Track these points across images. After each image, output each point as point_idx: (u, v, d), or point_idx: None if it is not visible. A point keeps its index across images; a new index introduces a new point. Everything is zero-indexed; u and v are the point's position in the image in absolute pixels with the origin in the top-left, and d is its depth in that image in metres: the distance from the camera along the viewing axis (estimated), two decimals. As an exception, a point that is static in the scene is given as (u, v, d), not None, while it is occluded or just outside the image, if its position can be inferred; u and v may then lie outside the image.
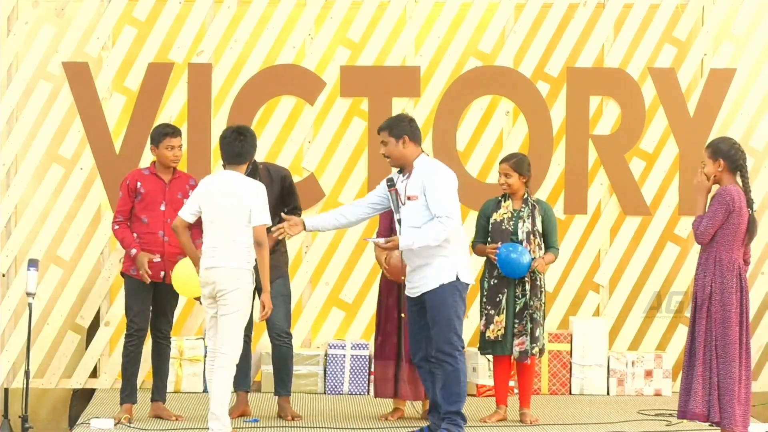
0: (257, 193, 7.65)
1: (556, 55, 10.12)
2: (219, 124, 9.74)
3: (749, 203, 7.77)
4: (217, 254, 7.65)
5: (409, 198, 7.69)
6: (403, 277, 8.08)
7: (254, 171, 8.28)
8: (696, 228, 7.73)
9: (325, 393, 9.75)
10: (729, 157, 7.75)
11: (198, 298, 8.05)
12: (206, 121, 9.89)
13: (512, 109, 10.11)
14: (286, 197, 8.59)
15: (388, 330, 8.51)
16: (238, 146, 7.74)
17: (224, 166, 7.81)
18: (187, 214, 7.79)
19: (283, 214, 8.03)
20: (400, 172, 7.85)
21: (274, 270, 8.18)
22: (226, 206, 7.65)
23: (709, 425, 7.85)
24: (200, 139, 9.81)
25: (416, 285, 7.75)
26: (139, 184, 8.55)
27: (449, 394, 7.68)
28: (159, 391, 8.70)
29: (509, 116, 10.12)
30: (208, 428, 7.65)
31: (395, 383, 8.55)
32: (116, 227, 8.57)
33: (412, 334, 7.89)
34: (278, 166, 8.86)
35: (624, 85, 10.09)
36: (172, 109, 9.91)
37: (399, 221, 7.70)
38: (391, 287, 8.53)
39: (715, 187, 7.83)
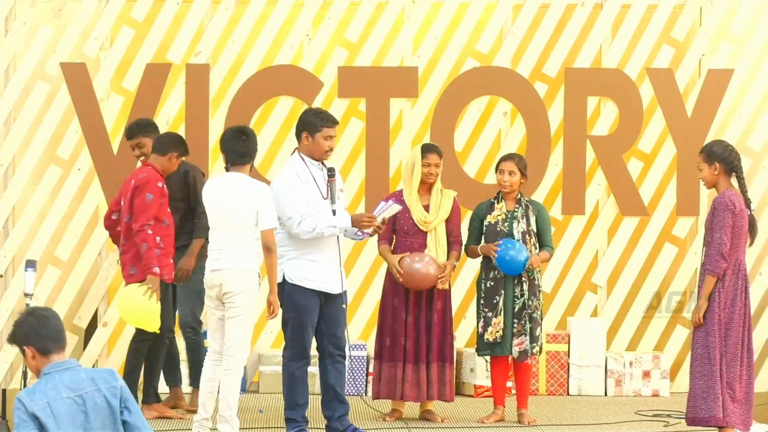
0: (264, 195, 7.55)
1: (554, 56, 10.12)
2: (217, 125, 9.74)
3: (747, 203, 7.77)
4: (223, 256, 7.56)
5: (341, 191, 7.95)
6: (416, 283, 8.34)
7: (186, 173, 8.62)
8: (716, 255, 7.64)
9: (323, 393, 9.75)
10: (724, 159, 7.75)
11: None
12: (204, 122, 9.88)
13: (510, 109, 10.11)
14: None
15: (396, 331, 8.49)
16: (241, 146, 7.63)
17: (227, 168, 7.70)
18: None
19: None
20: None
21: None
22: (232, 208, 7.53)
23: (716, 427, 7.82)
24: (198, 140, 9.79)
25: (340, 280, 7.89)
26: (161, 184, 8.34)
27: (343, 387, 7.96)
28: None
29: (507, 117, 10.12)
30: (215, 429, 7.63)
31: (402, 384, 8.54)
32: (150, 232, 8.25)
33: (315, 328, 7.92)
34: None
35: (622, 86, 10.09)
36: (170, 109, 9.91)
37: (334, 212, 7.77)
38: (397, 288, 8.50)
39: (712, 194, 7.81)
